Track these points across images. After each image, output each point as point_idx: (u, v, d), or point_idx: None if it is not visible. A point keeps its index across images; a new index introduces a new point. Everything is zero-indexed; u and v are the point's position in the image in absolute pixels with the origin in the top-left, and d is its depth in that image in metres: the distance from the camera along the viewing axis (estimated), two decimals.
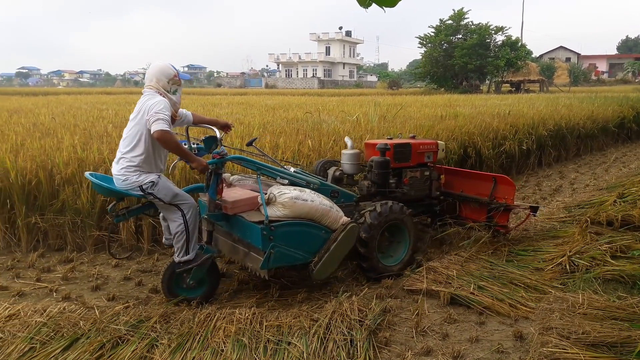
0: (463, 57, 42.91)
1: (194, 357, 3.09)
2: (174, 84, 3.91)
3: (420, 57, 48.65)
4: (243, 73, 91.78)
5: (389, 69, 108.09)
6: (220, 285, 4.43)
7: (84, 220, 5.21)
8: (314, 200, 3.92)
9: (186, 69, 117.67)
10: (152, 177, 3.80)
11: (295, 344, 3.21)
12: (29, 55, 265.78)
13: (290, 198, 3.83)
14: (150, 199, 3.87)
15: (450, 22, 46.01)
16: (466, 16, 45.64)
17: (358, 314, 3.55)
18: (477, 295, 4.01)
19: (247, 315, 3.54)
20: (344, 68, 78.00)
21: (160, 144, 3.70)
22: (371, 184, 4.98)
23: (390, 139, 5.50)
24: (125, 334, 3.30)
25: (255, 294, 4.26)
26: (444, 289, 4.09)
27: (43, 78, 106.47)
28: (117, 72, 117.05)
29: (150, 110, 3.64)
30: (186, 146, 4.15)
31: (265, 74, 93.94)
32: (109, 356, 3.12)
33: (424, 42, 47.49)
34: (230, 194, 4.13)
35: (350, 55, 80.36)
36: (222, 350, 3.15)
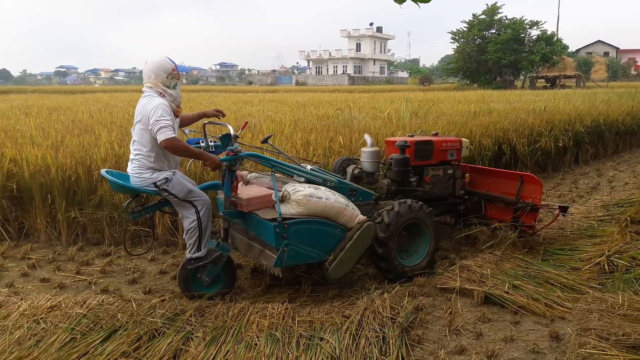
0: (497, 52, 42.20)
1: (228, 351, 3.14)
2: (173, 78, 3.86)
3: (453, 52, 48.07)
4: (274, 70, 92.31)
5: (421, 65, 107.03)
6: (253, 280, 4.48)
7: (121, 215, 5.34)
8: (328, 198, 3.87)
9: (218, 66, 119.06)
10: (166, 174, 3.84)
11: (328, 340, 3.23)
12: (67, 54, 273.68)
13: (304, 195, 3.79)
14: (165, 196, 3.90)
15: (483, 16, 45.31)
16: (500, 11, 44.87)
17: (390, 311, 3.54)
18: (511, 294, 3.94)
19: (279, 310, 3.58)
20: (374, 64, 77.58)
21: (170, 152, 3.74)
22: (391, 182, 4.87)
23: (412, 136, 5.36)
24: (161, 327, 3.38)
25: (287, 289, 4.28)
26: (477, 287, 4.04)
27: (80, 76, 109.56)
28: None
29: (150, 119, 3.64)
30: (203, 144, 4.17)
31: (296, 71, 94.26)
32: (146, 348, 3.19)
33: (457, 38, 46.93)
34: (246, 192, 4.13)
35: (381, 51, 79.89)
36: (256, 345, 3.19)
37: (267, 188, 4.20)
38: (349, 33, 78.18)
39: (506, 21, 44.67)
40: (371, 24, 77.44)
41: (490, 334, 3.52)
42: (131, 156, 3.90)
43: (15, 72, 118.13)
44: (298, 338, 3.26)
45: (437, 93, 24.29)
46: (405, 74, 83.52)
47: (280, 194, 3.83)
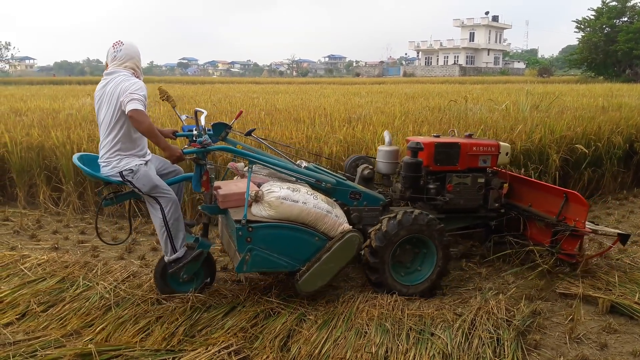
0: (628, 42, 38.56)
1: (339, 336, 3.21)
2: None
3: (577, 42, 44.73)
4: (381, 62, 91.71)
5: (539, 55, 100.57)
6: (360, 268, 4.48)
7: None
8: (306, 202, 3.50)
9: (327, 59, 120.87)
10: (134, 163, 3.60)
11: (439, 336, 3.19)
12: (189, 46, 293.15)
13: (277, 197, 3.46)
14: (131, 187, 3.65)
15: (614, 3, 41.55)
16: None
17: (505, 313, 3.42)
18: None
19: (388, 301, 3.60)
20: (488, 54, 74.29)
21: (133, 123, 3.43)
22: (403, 188, 4.35)
23: (437, 136, 4.62)
24: (276, 307, 3.56)
25: None
26: (603, 295, 3.76)
27: (200, 68, 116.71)
28: (264, 63, 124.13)
29: (125, 91, 3.42)
30: (196, 132, 3.71)
31: (404, 62, 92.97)
32: (262, 326, 3.37)
33: (582, 26, 43.55)
34: (228, 187, 3.85)
35: (496, 41, 76.29)
36: (366, 333, 3.23)
37: (258, 184, 3.78)
38: (463, 22, 75.55)
39: None
40: (487, 13, 74.32)
41: (617, 345, 3.27)
42: (100, 145, 3.69)
43: (143, 64, 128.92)
44: (408, 331, 3.25)
45: (558, 85, 22.73)
46: (521, 65, 79.07)
47: (253, 193, 3.54)
